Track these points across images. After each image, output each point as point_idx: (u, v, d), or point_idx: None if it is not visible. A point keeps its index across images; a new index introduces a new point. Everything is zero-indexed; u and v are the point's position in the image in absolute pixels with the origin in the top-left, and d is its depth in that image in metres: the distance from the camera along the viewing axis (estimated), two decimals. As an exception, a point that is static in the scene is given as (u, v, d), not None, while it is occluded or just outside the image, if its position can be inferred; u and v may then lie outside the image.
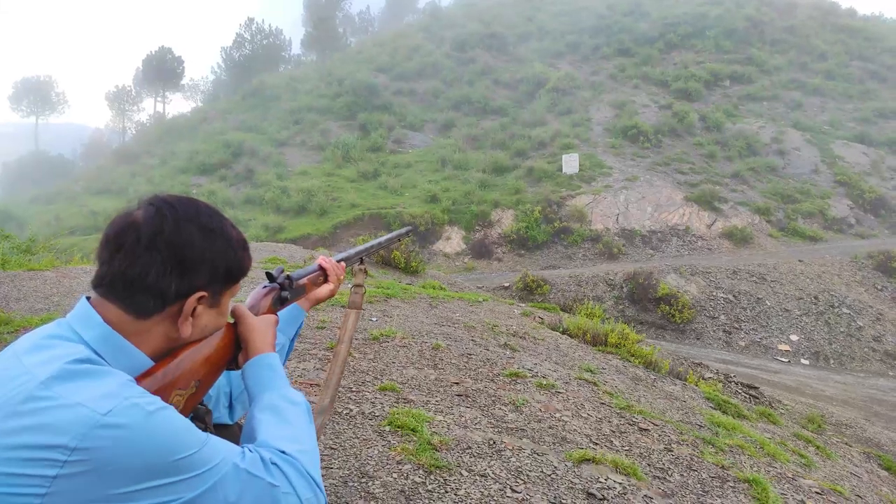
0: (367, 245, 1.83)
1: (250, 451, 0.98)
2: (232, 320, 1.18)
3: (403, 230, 2.16)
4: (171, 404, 0.96)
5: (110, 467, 0.81)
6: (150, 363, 1.01)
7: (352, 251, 1.72)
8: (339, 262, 1.58)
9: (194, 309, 1.03)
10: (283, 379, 1.15)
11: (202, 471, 0.88)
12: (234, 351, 1.17)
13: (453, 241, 20.06)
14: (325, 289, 1.50)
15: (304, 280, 1.44)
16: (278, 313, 1.33)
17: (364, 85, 34.78)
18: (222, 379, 1.31)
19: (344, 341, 1.60)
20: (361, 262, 1.77)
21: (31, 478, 0.79)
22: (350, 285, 1.73)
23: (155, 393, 0.96)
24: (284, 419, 1.07)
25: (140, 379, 0.96)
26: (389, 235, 2.03)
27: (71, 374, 0.87)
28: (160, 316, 1.00)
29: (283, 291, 1.33)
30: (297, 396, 1.13)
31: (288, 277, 1.36)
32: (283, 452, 1.00)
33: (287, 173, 26.70)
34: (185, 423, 0.92)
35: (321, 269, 1.50)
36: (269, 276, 1.34)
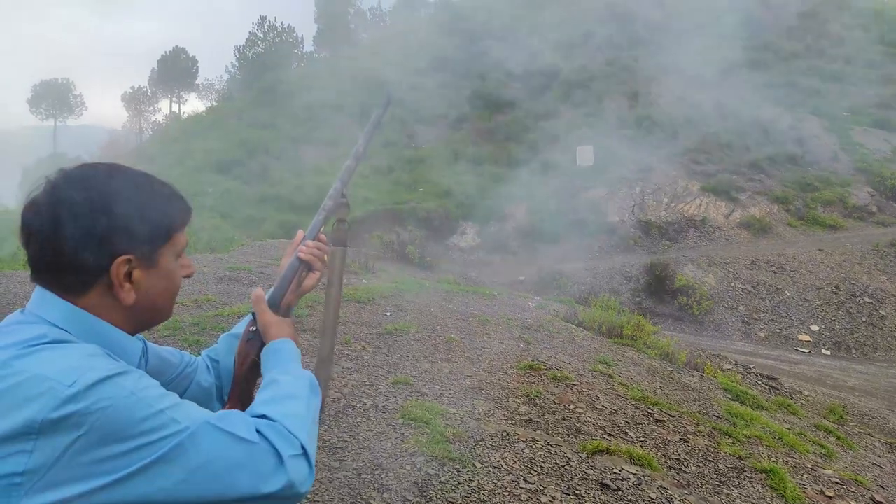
0: (343, 173, 1.52)
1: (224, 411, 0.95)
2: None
3: (381, 108, 1.66)
4: None
5: (83, 438, 0.79)
6: (124, 336, 0.99)
7: (326, 200, 1.46)
8: (316, 239, 1.36)
9: (130, 275, 0.97)
10: (289, 360, 1.12)
11: (170, 431, 0.85)
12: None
13: (468, 235, 20.02)
14: (311, 280, 1.32)
15: (289, 296, 1.28)
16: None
17: (376, 80, 34.79)
18: (208, 375, 1.28)
19: (334, 284, 1.41)
20: (343, 195, 1.51)
21: (4, 459, 0.78)
22: (333, 221, 1.50)
23: None
24: (277, 388, 1.04)
25: None
26: (366, 134, 1.61)
27: (32, 350, 0.86)
28: (96, 290, 0.96)
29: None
30: (299, 371, 1.10)
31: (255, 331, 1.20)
32: (265, 417, 0.96)
33: (301, 170, 26.81)
34: (153, 384, 0.89)
35: (301, 262, 1.30)
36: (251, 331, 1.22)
